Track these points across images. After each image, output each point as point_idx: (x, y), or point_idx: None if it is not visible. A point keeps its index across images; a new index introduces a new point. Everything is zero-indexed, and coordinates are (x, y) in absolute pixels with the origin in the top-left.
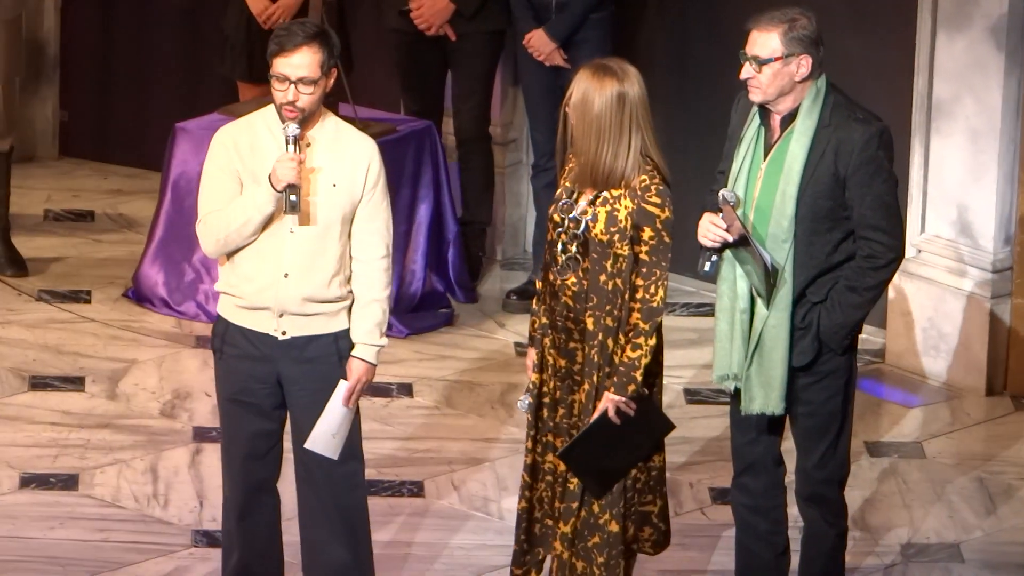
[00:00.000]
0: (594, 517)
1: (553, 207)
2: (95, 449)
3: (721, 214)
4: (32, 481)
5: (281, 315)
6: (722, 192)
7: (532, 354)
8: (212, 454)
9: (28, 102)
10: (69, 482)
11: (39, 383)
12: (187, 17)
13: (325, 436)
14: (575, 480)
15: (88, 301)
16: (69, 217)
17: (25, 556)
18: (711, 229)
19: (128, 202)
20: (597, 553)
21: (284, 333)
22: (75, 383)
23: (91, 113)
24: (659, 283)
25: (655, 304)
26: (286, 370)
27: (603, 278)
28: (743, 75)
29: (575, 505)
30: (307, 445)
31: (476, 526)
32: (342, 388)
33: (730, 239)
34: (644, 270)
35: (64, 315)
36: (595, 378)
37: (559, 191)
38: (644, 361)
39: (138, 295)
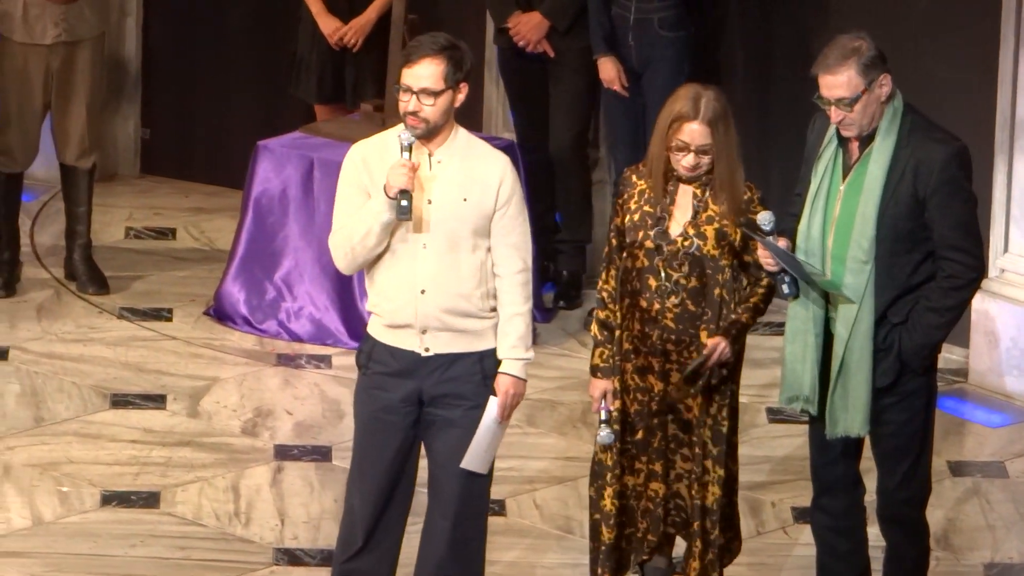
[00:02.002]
0: (722, 534)
1: (640, 233)
2: (176, 467)
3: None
4: (113, 499)
5: (424, 331)
6: (759, 216)
7: (605, 384)
8: (293, 472)
9: (110, 120)
10: (150, 500)
11: (120, 401)
12: (267, 36)
13: (478, 453)
14: (700, 499)
15: (169, 319)
16: (150, 235)
17: (106, 574)
18: (761, 256)
19: (209, 220)
20: (727, 559)
21: (427, 350)
22: (156, 401)
23: (172, 131)
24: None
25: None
26: (429, 388)
27: (717, 291)
28: (834, 119)
29: (700, 523)
30: (463, 464)
31: (558, 545)
32: (493, 405)
33: (770, 263)
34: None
35: (145, 333)
36: (711, 396)
37: (636, 216)
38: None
39: (219, 313)
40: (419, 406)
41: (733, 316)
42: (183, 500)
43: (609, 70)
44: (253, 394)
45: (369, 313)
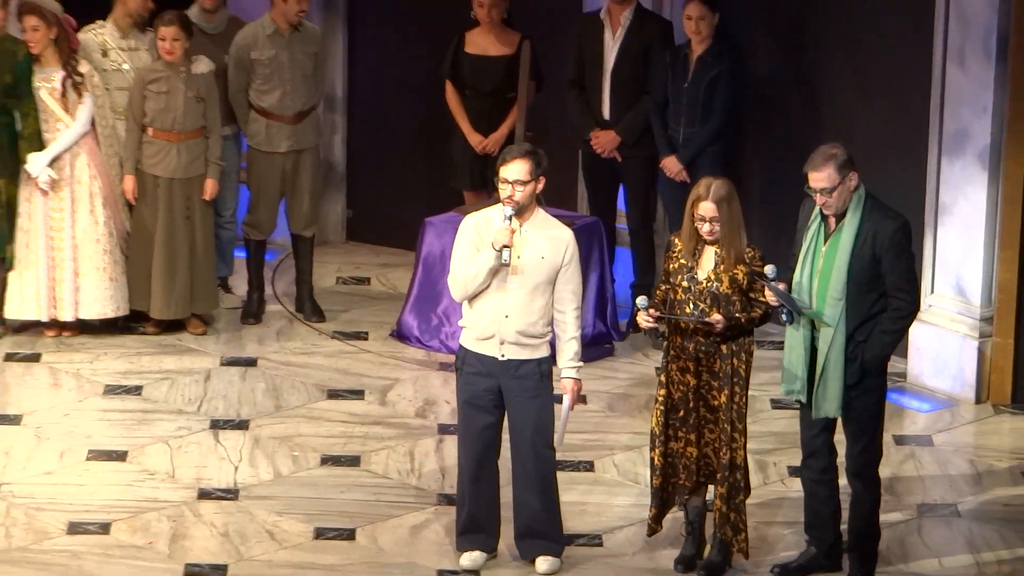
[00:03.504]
0: (738, 485)
1: (679, 277)
2: (371, 439)
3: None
4: (328, 460)
5: (502, 343)
6: (766, 268)
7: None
8: (451, 442)
9: (325, 204)
10: (353, 461)
11: (333, 394)
12: (432, 144)
13: (559, 429)
14: (728, 454)
15: (366, 338)
16: (353, 282)
17: (325, 511)
18: (767, 295)
19: (393, 272)
20: (742, 505)
21: (503, 356)
22: (357, 394)
23: (368, 211)
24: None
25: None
26: (505, 383)
27: (731, 318)
28: (819, 202)
29: (727, 474)
30: (556, 441)
31: (629, 491)
32: (566, 399)
33: (773, 301)
34: (757, 301)
35: (350, 348)
36: (732, 385)
37: (674, 265)
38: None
39: (400, 335)
40: (498, 395)
41: (738, 318)
42: (376, 461)
43: (674, 165)
44: (423, 389)
45: (460, 329)
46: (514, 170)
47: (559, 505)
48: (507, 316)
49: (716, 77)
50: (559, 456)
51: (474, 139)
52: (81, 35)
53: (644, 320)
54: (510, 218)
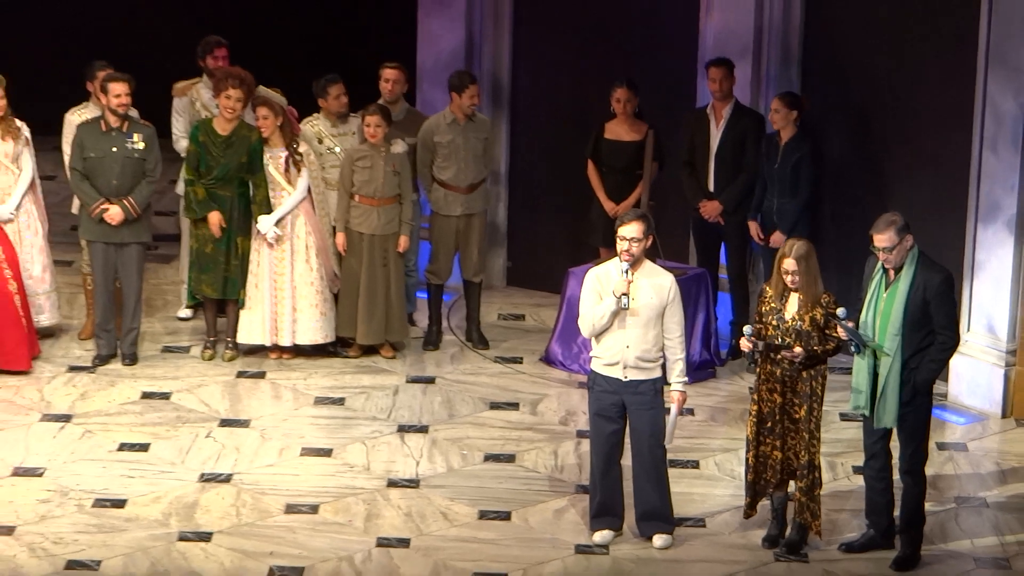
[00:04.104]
0: (814, 480)
1: (770, 317)
2: (524, 441)
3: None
4: (490, 457)
5: (624, 367)
6: (838, 311)
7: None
8: (586, 444)
9: (490, 255)
10: (510, 458)
11: (495, 405)
12: (575, 206)
13: (669, 432)
14: (806, 455)
15: (521, 362)
16: (512, 318)
17: (487, 497)
18: (840, 331)
19: (543, 310)
20: (817, 496)
21: (626, 377)
22: (514, 406)
23: (524, 262)
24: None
25: (831, 347)
26: (627, 398)
27: (809, 350)
28: (881, 258)
29: (805, 469)
30: (665, 442)
31: (729, 484)
32: (674, 407)
33: (844, 326)
34: (830, 335)
35: (507, 370)
36: (810, 402)
37: (767, 308)
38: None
39: (547, 360)
40: (622, 408)
41: (815, 349)
42: (527, 458)
43: (753, 228)
44: (565, 402)
45: (591, 357)
46: (631, 230)
47: (670, 493)
48: (628, 346)
49: (799, 160)
50: (670, 455)
51: (608, 206)
52: (302, 125)
53: (745, 343)
54: (627, 271)
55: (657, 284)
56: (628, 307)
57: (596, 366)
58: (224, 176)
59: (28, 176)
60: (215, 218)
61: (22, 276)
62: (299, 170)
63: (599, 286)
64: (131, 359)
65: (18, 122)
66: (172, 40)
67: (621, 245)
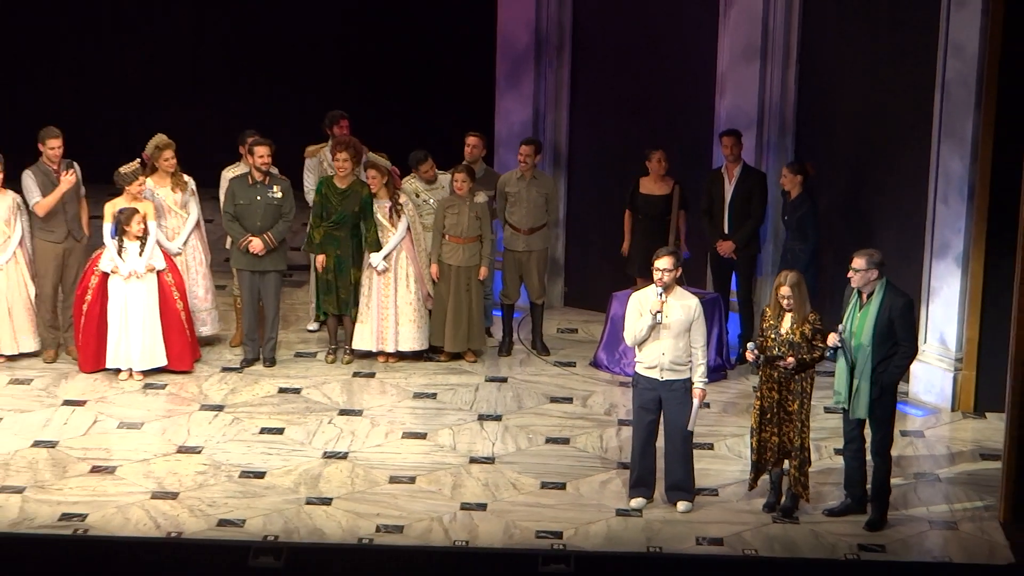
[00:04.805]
0: (804, 459)
1: (770, 332)
2: (576, 427)
3: (833, 334)
4: (550, 440)
5: (661, 370)
6: (839, 328)
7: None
8: (625, 431)
9: (550, 283)
10: (565, 441)
11: (554, 399)
12: (615, 240)
13: (692, 420)
14: (797, 440)
15: (574, 366)
16: (568, 331)
17: (548, 471)
18: (829, 343)
19: (592, 325)
20: (806, 472)
21: (663, 377)
22: (568, 400)
23: (578, 287)
24: (821, 350)
25: (817, 355)
26: (663, 394)
27: (799, 356)
28: (849, 275)
29: (797, 450)
30: (688, 427)
31: (737, 462)
32: (696, 400)
33: (832, 346)
34: (816, 346)
35: (564, 372)
36: (801, 398)
37: (767, 325)
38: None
39: (595, 364)
40: (658, 402)
41: (804, 357)
42: (579, 441)
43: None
44: (609, 398)
45: (635, 362)
46: (664, 262)
47: (693, 469)
48: (663, 353)
49: (803, 214)
50: (693, 439)
51: (624, 247)
52: (403, 183)
53: (750, 353)
54: (661, 294)
55: (685, 305)
56: (662, 322)
57: (639, 368)
58: (341, 221)
59: (193, 219)
60: (320, 260)
61: (187, 297)
62: (400, 216)
63: (640, 306)
64: (270, 362)
65: (186, 176)
66: (305, 112)
67: (656, 275)
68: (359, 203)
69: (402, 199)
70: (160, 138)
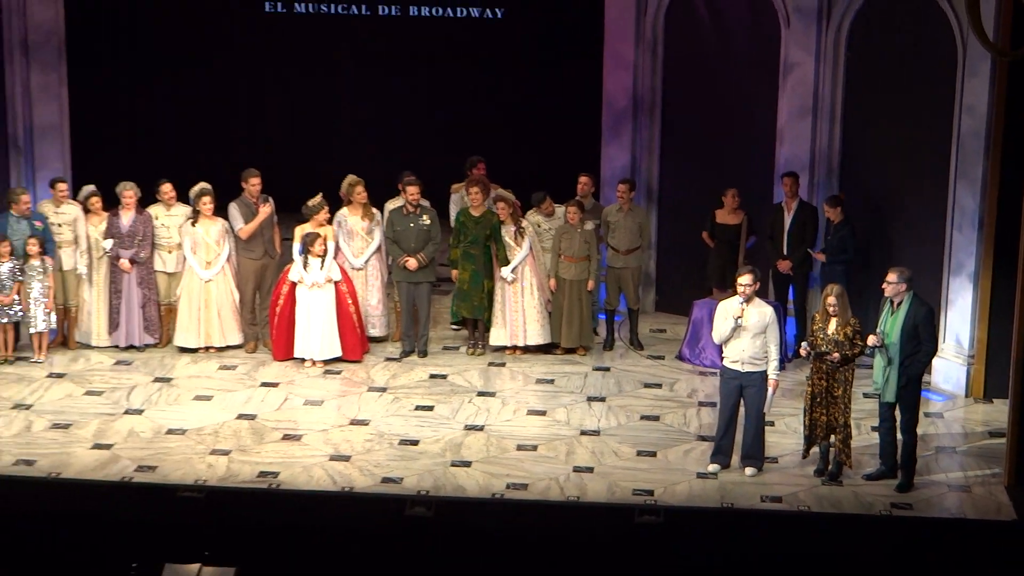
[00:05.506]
0: (847, 434)
1: (819, 332)
2: (665, 408)
3: (873, 335)
4: (644, 417)
5: (742, 363)
6: (877, 331)
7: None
8: (704, 411)
9: (644, 292)
10: (656, 418)
11: (647, 385)
12: (701, 255)
13: (767, 406)
14: (842, 419)
15: (663, 358)
16: (658, 331)
17: (642, 442)
18: (869, 343)
19: (678, 327)
20: (849, 444)
21: (744, 369)
22: (658, 386)
23: (667, 296)
24: (860, 347)
25: (857, 352)
26: (744, 382)
27: (843, 354)
28: (884, 286)
29: (841, 427)
30: (765, 410)
31: (793, 436)
32: (771, 389)
33: (872, 345)
34: (856, 343)
35: (654, 363)
36: (844, 385)
37: (816, 327)
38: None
39: (680, 357)
40: (740, 389)
41: (846, 353)
42: (668, 418)
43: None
44: (691, 384)
45: (722, 357)
46: (746, 279)
47: (764, 443)
48: (743, 350)
49: (844, 235)
50: (765, 419)
51: (718, 262)
52: (527, 216)
53: (803, 350)
54: (742, 303)
55: (761, 311)
56: (743, 325)
57: (725, 362)
58: (475, 242)
59: (376, 243)
60: (455, 273)
61: (361, 302)
62: (523, 238)
63: (725, 312)
64: (423, 354)
65: (373, 209)
66: (450, 157)
67: (739, 288)
68: (490, 228)
69: (524, 224)
70: (352, 177)
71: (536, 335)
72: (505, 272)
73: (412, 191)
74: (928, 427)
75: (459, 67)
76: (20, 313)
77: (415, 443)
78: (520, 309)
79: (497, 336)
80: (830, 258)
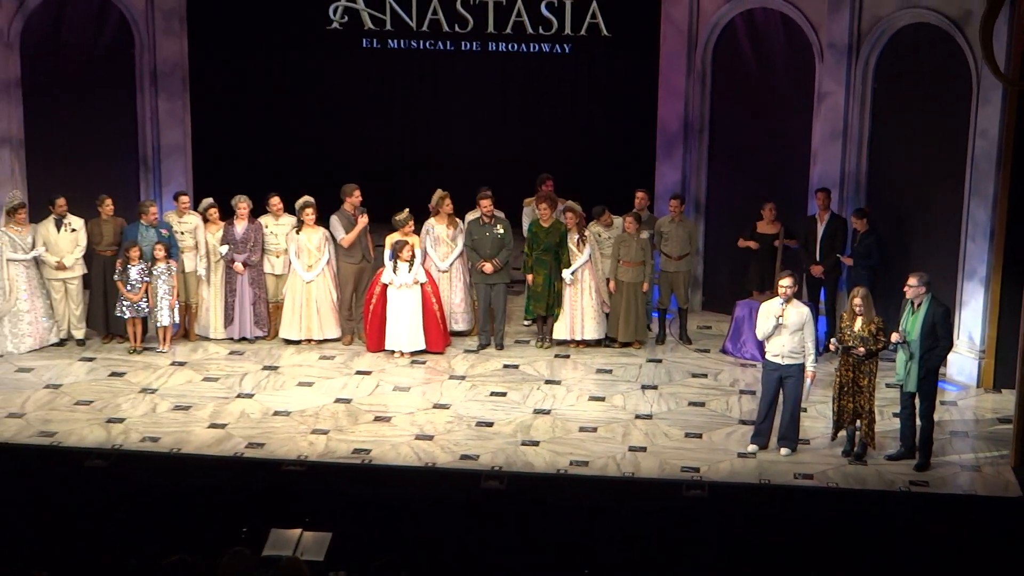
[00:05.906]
0: (871, 420)
1: (847, 329)
2: (710, 396)
3: (896, 332)
4: (692, 404)
5: (782, 357)
6: (899, 328)
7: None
8: (746, 399)
9: (692, 294)
10: (702, 404)
11: (695, 375)
12: (741, 264)
13: (805, 395)
14: (867, 406)
15: (708, 352)
16: (705, 327)
17: (690, 425)
18: (893, 340)
19: (722, 324)
20: (873, 428)
21: (784, 362)
22: (704, 376)
23: (713, 298)
24: (884, 343)
25: (880, 347)
26: (784, 373)
27: (867, 348)
28: (906, 288)
29: (866, 413)
30: (803, 399)
31: (823, 420)
32: (808, 380)
33: (895, 342)
34: (880, 340)
35: (701, 356)
36: (869, 376)
37: (844, 325)
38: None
39: (723, 351)
40: (779, 379)
41: (871, 348)
42: (713, 405)
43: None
44: (733, 375)
45: (765, 351)
46: (786, 282)
47: (799, 427)
48: (783, 345)
49: (870, 243)
50: (800, 405)
51: (758, 268)
52: (589, 227)
53: (832, 345)
54: (782, 304)
55: (799, 311)
56: (783, 324)
57: (767, 356)
58: (545, 248)
59: (459, 249)
60: (530, 277)
61: (444, 301)
62: (585, 245)
63: (768, 312)
64: (499, 346)
65: (457, 219)
66: (523, 173)
67: (780, 290)
68: (559, 236)
69: (587, 232)
70: (441, 191)
71: (592, 331)
72: (566, 274)
73: (485, 204)
74: (943, 414)
75: (531, 95)
76: (148, 309)
77: (490, 425)
78: (579, 307)
79: (560, 330)
80: (857, 263)
